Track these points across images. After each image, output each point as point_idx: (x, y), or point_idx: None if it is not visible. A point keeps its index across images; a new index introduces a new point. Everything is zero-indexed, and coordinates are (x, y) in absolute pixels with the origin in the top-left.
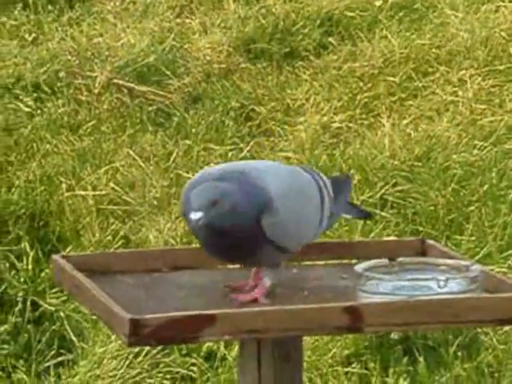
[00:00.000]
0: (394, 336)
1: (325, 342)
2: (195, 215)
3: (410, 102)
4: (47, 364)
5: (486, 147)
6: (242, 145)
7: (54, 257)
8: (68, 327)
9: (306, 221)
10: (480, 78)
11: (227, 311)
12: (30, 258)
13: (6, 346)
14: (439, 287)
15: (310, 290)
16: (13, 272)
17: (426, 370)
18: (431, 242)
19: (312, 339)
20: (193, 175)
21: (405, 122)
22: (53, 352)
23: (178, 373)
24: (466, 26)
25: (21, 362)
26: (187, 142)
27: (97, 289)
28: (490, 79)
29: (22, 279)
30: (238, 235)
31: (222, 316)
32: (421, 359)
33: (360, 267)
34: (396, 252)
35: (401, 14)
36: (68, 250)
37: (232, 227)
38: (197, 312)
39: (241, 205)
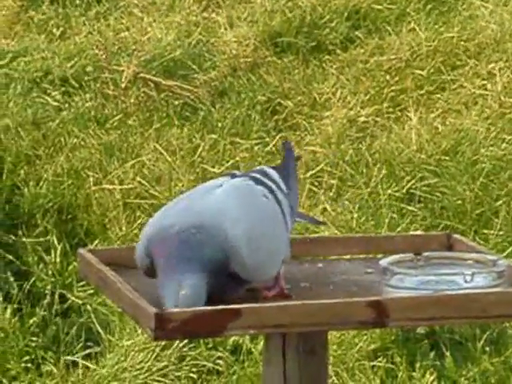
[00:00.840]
0: (421, 330)
1: (351, 336)
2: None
3: (438, 96)
4: (75, 356)
5: None
6: (267, 139)
7: (81, 251)
8: (95, 320)
9: (277, 245)
10: (509, 71)
11: (252, 305)
12: (58, 252)
13: (34, 339)
14: (465, 282)
15: (336, 285)
16: (41, 265)
17: (453, 364)
18: (457, 236)
19: (338, 333)
20: (219, 169)
21: (432, 115)
22: (80, 344)
23: (204, 366)
24: (496, 18)
25: (49, 353)
26: (213, 136)
27: (123, 283)
28: None
29: (49, 272)
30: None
31: (247, 310)
32: (448, 354)
33: (385, 261)
34: (422, 246)
35: (429, 6)
36: (95, 243)
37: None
38: (222, 306)
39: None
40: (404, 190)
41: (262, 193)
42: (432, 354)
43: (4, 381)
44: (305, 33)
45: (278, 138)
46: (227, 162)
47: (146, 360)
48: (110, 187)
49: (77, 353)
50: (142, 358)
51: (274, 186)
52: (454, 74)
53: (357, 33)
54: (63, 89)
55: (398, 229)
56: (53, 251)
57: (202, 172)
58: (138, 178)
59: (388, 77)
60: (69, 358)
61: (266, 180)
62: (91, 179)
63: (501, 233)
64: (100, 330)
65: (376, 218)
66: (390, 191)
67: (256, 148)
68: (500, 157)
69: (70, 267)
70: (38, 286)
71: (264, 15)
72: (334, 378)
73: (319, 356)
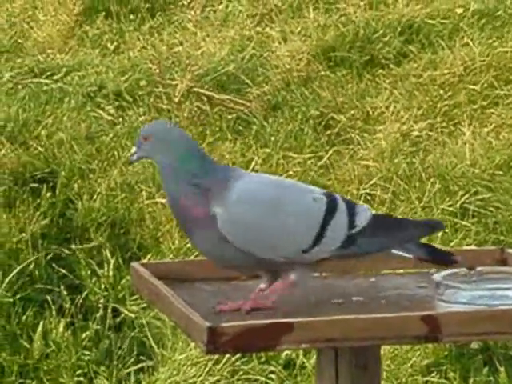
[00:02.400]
0: (474, 346)
1: (404, 351)
2: (131, 150)
3: (492, 110)
4: (128, 370)
5: None
6: (321, 153)
7: (133, 264)
8: (148, 334)
9: (276, 231)
10: None
11: (305, 320)
12: (111, 265)
13: (87, 353)
14: None
15: (388, 299)
16: (94, 279)
17: (507, 380)
18: (511, 251)
19: (391, 348)
20: None
21: (486, 130)
22: (133, 358)
23: (256, 380)
24: None
25: (102, 368)
26: (266, 150)
27: (175, 296)
28: None
29: (102, 286)
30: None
31: (299, 324)
32: (502, 369)
33: (439, 276)
34: (475, 261)
35: (483, 21)
36: (148, 257)
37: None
38: (274, 320)
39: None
40: (457, 205)
41: (313, 195)
42: (486, 370)
43: None
44: (358, 47)
45: (330, 152)
46: (280, 176)
47: (198, 374)
48: (163, 201)
49: (129, 367)
50: (195, 372)
51: (340, 207)
52: (507, 88)
53: (410, 47)
54: (117, 103)
55: (452, 243)
56: (106, 265)
57: None
58: None
59: (441, 91)
60: (121, 372)
61: (336, 199)
62: (144, 193)
63: None
64: (153, 344)
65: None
66: (443, 206)
67: (309, 162)
68: None
69: (123, 281)
70: (91, 299)
71: (317, 29)
72: None
73: (372, 371)
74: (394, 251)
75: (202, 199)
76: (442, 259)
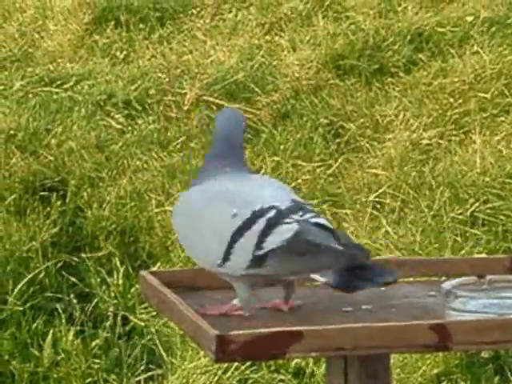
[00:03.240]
0: (485, 354)
1: (414, 360)
2: None
3: (502, 118)
4: (137, 378)
5: None
6: (330, 161)
7: (142, 273)
8: (158, 342)
9: (194, 242)
10: None
11: (314, 328)
12: (121, 274)
13: (97, 361)
14: None
15: (398, 308)
16: (103, 287)
17: None
18: None
19: (401, 356)
20: None
21: (496, 138)
22: (143, 367)
23: None
24: None
25: (112, 376)
26: (275, 158)
27: (184, 305)
28: None
29: (112, 294)
30: None
31: (308, 332)
32: None
33: (448, 284)
34: (485, 269)
35: (493, 29)
36: (157, 265)
37: None
38: (283, 328)
39: None
40: (468, 213)
41: (233, 211)
42: (497, 379)
43: None
44: (367, 55)
45: (340, 160)
46: (289, 184)
47: (207, 383)
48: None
49: (139, 375)
50: (204, 380)
51: (256, 225)
52: None
53: (420, 55)
54: (126, 112)
55: (462, 252)
56: (115, 273)
57: None
58: None
59: (451, 99)
60: (131, 380)
61: (260, 216)
62: (154, 201)
63: None
64: (162, 353)
65: (439, 241)
66: (453, 214)
67: (318, 170)
68: None
69: (133, 289)
70: (101, 307)
71: (327, 38)
72: None
73: (381, 379)
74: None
75: None
76: (355, 286)
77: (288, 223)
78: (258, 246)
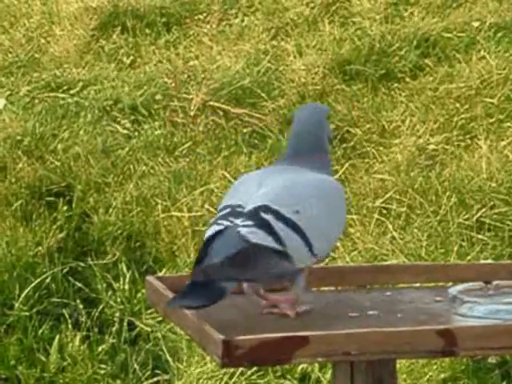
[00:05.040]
0: (492, 360)
1: (421, 365)
2: None
3: (508, 124)
4: None
5: None
6: (336, 166)
7: (149, 278)
8: (164, 348)
9: None
10: None
11: (320, 333)
12: (127, 279)
13: (103, 366)
14: None
15: (404, 313)
16: (109, 292)
17: None
18: None
19: (407, 362)
20: None
21: (503, 143)
22: (149, 372)
23: None
24: None
25: (118, 381)
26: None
27: (190, 310)
28: None
29: (118, 300)
30: None
31: (315, 338)
32: None
33: (455, 290)
34: (492, 275)
35: (499, 34)
36: (164, 270)
37: None
38: (290, 334)
39: None
40: (474, 219)
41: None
42: None
43: None
44: (374, 61)
45: (346, 165)
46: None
47: None
48: (179, 215)
49: (145, 380)
50: None
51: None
52: None
53: (426, 61)
54: (133, 117)
55: (468, 257)
56: (121, 278)
57: None
58: (207, 206)
59: (458, 105)
60: None
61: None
62: (160, 207)
63: None
64: (168, 358)
65: (445, 247)
66: (459, 219)
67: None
68: None
69: (139, 294)
70: (107, 313)
71: (333, 43)
72: None
73: None
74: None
75: None
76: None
77: (218, 224)
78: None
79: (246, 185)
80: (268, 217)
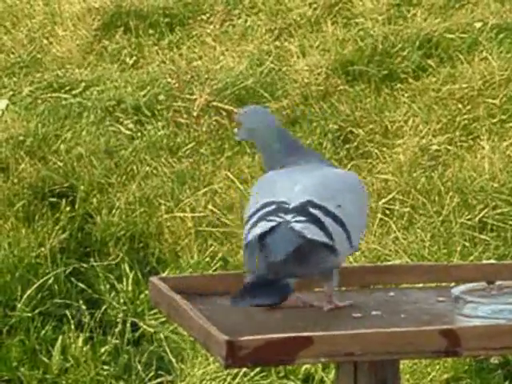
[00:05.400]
0: (495, 360)
1: (424, 366)
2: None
3: (511, 124)
4: None
5: None
6: (339, 167)
7: (152, 279)
8: (167, 348)
9: None
10: None
11: (324, 333)
12: (130, 280)
13: (106, 367)
14: None
15: (407, 313)
16: (113, 293)
17: None
18: None
19: (411, 362)
20: None
21: (505, 144)
22: (152, 373)
23: None
24: None
25: (121, 383)
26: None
27: (194, 310)
28: None
29: (121, 300)
30: None
31: (318, 338)
32: None
33: (458, 290)
34: (494, 275)
35: (501, 35)
36: (167, 271)
37: None
38: (293, 334)
39: None
40: (476, 219)
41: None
42: None
43: None
44: (377, 61)
45: (349, 166)
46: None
47: None
48: (182, 215)
49: (148, 381)
50: None
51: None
52: None
53: (429, 61)
54: (136, 117)
55: (471, 257)
56: (125, 279)
57: None
58: (210, 206)
59: (460, 105)
60: None
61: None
62: (163, 207)
63: None
64: (172, 359)
65: (448, 247)
66: (462, 220)
67: None
68: None
69: (142, 295)
70: (110, 314)
71: (336, 44)
72: None
73: None
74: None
75: None
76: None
77: (269, 220)
78: (246, 237)
79: (278, 182)
80: (317, 212)
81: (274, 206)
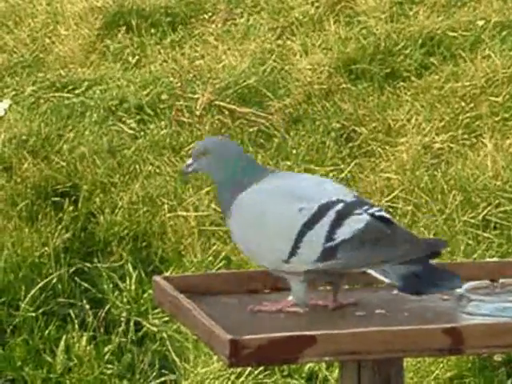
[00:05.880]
0: (498, 358)
1: (427, 364)
2: (186, 162)
3: None
4: None
5: None
6: (342, 166)
7: (156, 278)
8: (170, 347)
9: (257, 240)
10: None
11: (327, 332)
12: (133, 279)
13: (110, 366)
14: None
15: (411, 311)
16: (116, 293)
17: None
18: None
19: (414, 361)
20: None
21: (508, 142)
22: (155, 372)
23: None
24: None
25: (125, 382)
26: (288, 163)
27: (197, 309)
28: None
29: (125, 300)
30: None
31: (322, 337)
32: None
33: (461, 288)
34: (498, 273)
35: (504, 33)
36: (170, 270)
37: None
38: (297, 333)
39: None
40: (480, 217)
41: (299, 206)
42: (509, 382)
43: None
44: (379, 60)
45: (352, 164)
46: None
47: None
48: (185, 214)
49: (152, 381)
50: None
51: (324, 218)
52: None
53: (431, 59)
54: (138, 117)
55: (474, 255)
56: (128, 278)
57: None
58: (213, 205)
59: (463, 103)
60: None
61: (325, 209)
62: (166, 206)
63: None
64: (175, 358)
65: (451, 245)
66: (465, 218)
67: (330, 175)
68: None
69: (145, 295)
70: (113, 313)
71: (338, 42)
72: None
73: (395, 383)
74: (373, 272)
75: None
76: (419, 290)
77: (358, 214)
78: (329, 237)
79: (303, 187)
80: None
81: (342, 204)
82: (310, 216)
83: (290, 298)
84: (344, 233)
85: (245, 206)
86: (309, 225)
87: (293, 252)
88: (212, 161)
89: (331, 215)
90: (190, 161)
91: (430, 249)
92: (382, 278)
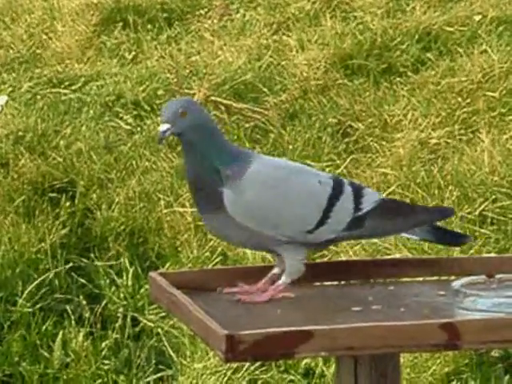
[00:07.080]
0: (495, 354)
1: (424, 359)
2: (162, 127)
3: (510, 117)
4: (147, 379)
5: None
6: (338, 161)
7: (152, 274)
8: (167, 343)
9: (282, 211)
10: None
11: (324, 327)
12: (130, 275)
13: (107, 362)
14: None
15: (408, 307)
16: (113, 288)
17: None
18: None
19: (411, 356)
20: None
21: (505, 137)
22: (152, 368)
23: None
24: None
25: (121, 377)
26: (284, 158)
27: (193, 305)
28: None
29: (121, 295)
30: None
31: (318, 332)
32: None
33: (458, 284)
34: (494, 268)
35: (501, 28)
36: (166, 266)
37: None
38: (293, 328)
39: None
40: (476, 213)
41: (319, 178)
42: (507, 378)
43: None
44: (376, 55)
45: (348, 160)
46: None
47: (217, 383)
48: (182, 210)
49: (149, 376)
50: (214, 381)
51: (345, 190)
52: None
53: (428, 55)
54: (135, 112)
55: (471, 251)
56: (125, 274)
57: None
58: None
59: (460, 99)
60: (141, 381)
61: (341, 184)
62: (162, 202)
63: None
64: (172, 353)
65: None
66: (462, 213)
67: (327, 170)
68: None
69: (142, 290)
70: (110, 309)
71: (335, 38)
72: None
73: (391, 379)
74: (401, 234)
75: (218, 183)
76: (450, 241)
77: (365, 188)
78: (357, 208)
79: (303, 168)
80: None
81: (343, 179)
82: (332, 189)
83: (280, 281)
84: (368, 203)
85: (263, 179)
86: (335, 196)
87: (320, 223)
88: (192, 123)
89: (348, 188)
90: (166, 125)
91: (442, 214)
92: (411, 236)
